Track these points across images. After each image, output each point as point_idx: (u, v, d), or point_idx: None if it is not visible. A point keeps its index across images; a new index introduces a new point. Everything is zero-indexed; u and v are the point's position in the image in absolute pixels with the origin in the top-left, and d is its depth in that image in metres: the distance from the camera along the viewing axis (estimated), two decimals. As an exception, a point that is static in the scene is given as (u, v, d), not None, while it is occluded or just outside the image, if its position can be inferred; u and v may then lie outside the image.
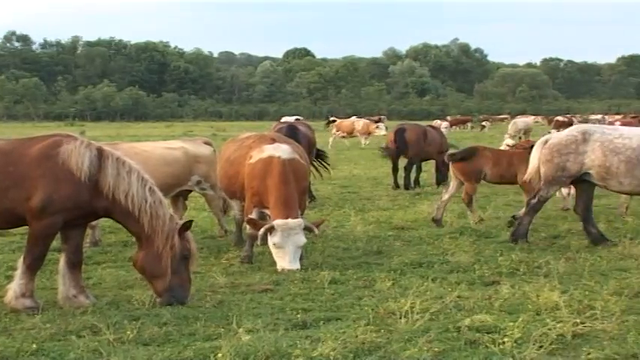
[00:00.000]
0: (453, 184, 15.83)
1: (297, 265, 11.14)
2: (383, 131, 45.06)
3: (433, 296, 9.35)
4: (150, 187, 9.33)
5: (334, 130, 49.26)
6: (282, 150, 12.05)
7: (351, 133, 48.47)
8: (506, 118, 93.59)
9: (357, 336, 7.69)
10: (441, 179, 22.79)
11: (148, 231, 9.20)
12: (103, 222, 12.85)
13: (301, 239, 11.22)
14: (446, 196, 15.53)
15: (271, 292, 9.95)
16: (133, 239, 9.78)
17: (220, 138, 38.44)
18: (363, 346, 7.52)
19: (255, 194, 11.82)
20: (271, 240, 11.26)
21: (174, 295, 9.18)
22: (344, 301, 9.39)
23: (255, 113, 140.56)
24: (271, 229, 11.20)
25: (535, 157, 13.39)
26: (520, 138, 45.23)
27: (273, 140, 12.47)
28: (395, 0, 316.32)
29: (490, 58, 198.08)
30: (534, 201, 13.34)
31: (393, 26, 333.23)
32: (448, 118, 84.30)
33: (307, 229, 11.33)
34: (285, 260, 11.17)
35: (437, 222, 15.06)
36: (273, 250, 11.32)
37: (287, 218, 11.18)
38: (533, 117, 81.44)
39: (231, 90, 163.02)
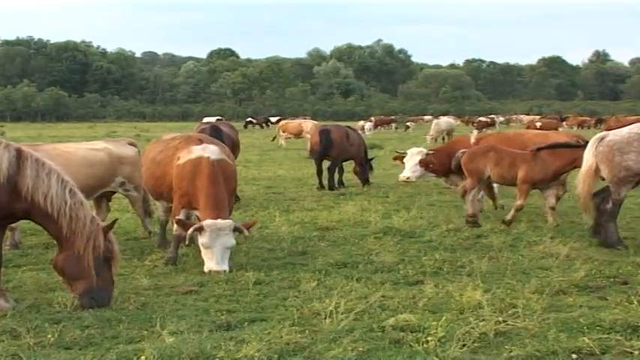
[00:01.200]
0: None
1: (224, 267, 11.06)
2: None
3: (358, 296, 9.38)
4: (70, 189, 9.18)
5: (280, 132, 47.72)
6: (211, 151, 11.99)
7: (298, 135, 46.08)
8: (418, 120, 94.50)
9: (281, 337, 7.67)
10: (365, 179, 22.91)
11: (68, 233, 9.05)
12: (24, 224, 12.63)
13: (230, 240, 11.15)
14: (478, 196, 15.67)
15: (195, 293, 9.87)
16: (54, 241, 9.62)
17: (144, 139, 38.08)
18: (288, 346, 7.49)
19: (184, 195, 11.72)
20: (200, 240, 11.18)
21: (94, 297, 9.04)
22: (269, 302, 9.36)
23: (179, 114, 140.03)
24: (200, 230, 11.13)
25: (590, 156, 13.01)
26: (443, 139, 45.74)
27: (201, 141, 12.39)
28: (319, 0, 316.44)
29: (414, 59, 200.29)
30: (609, 206, 12.90)
31: (318, 27, 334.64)
32: (372, 118, 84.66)
33: (237, 231, 11.26)
34: (213, 261, 11.09)
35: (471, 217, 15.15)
36: (202, 251, 11.25)
37: (217, 219, 11.12)
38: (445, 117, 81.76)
39: (155, 90, 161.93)
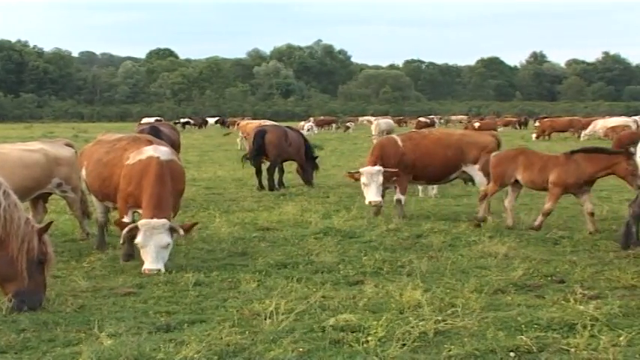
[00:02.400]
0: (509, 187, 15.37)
1: (158, 266, 10.97)
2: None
3: (298, 297, 9.38)
4: (4, 191, 9.04)
5: (240, 133, 46.79)
6: (161, 151, 11.96)
7: None
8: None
9: (221, 338, 7.64)
10: (308, 179, 22.92)
11: (2, 235, 8.90)
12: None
13: (164, 239, 11.05)
14: (508, 203, 15.19)
15: (134, 295, 9.78)
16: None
17: (82, 139, 37.71)
18: (228, 348, 7.46)
19: (131, 195, 11.63)
20: (136, 240, 11.11)
21: (25, 300, 8.87)
22: (208, 303, 9.32)
23: (117, 114, 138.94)
24: (136, 229, 11.05)
25: None
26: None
27: (151, 142, 12.34)
28: (259, 1, 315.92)
29: (354, 60, 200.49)
30: None
31: (257, 27, 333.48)
32: (311, 118, 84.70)
33: (172, 230, 11.18)
34: (147, 260, 11.02)
35: (510, 227, 14.70)
36: (141, 251, 11.18)
37: (152, 218, 11.05)
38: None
39: (93, 90, 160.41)
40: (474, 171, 16.74)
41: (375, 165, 15.82)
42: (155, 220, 11.04)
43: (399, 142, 16.42)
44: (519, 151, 15.48)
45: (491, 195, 15.25)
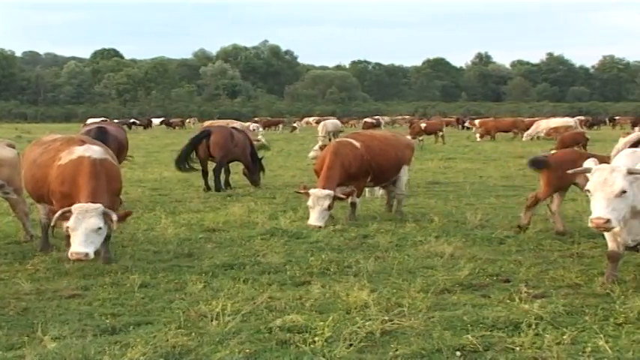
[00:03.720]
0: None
1: (86, 249, 10.82)
2: (263, 139, 43.33)
3: (245, 298, 9.35)
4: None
5: None
6: (93, 150, 11.89)
7: None
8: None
9: (167, 340, 7.60)
10: (254, 180, 22.88)
11: None
12: None
13: (94, 222, 10.92)
14: (555, 207, 14.62)
15: (79, 297, 9.67)
16: None
17: (26, 140, 37.25)
18: (174, 349, 7.42)
19: (66, 196, 11.49)
20: (67, 223, 11.03)
21: None
22: (154, 305, 9.25)
23: (62, 114, 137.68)
24: (69, 213, 10.97)
25: None
26: (330, 139, 46.00)
27: (84, 142, 12.26)
28: (204, 1, 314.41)
29: (300, 60, 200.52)
30: None
31: (203, 27, 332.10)
32: (256, 119, 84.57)
33: (105, 215, 11.05)
34: (75, 243, 10.91)
35: (561, 234, 14.10)
36: (71, 235, 11.07)
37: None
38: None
39: (37, 91, 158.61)
40: (405, 172, 16.86)
41: (333, 170, 15.53)
42: (89, 204, 10.98)
43: (357, 144, 16.08)
44: (578, 154, 15.16)
45: (544, 198, 14.60)
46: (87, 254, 10.79)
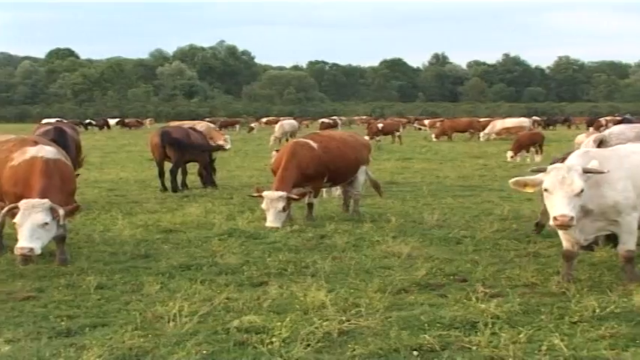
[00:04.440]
0: None
1: (31, 244, 10.75)
2: (228, 145, 42.66)
3: (202, 298, 9.33)
4: None
5: None
6: (46, 151, 11.83)
7: None
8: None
9: (124, 341, 7.55)
10: (211, 181, 22.81)
11: None
12: None
13: (41, 217, 10.84)
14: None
15: (34, 299, 9.57)
16: None
17: (-21, 140, 36.82)
18: (130, 351, 7.38)
19: (19, 197, 11.36)
20: (15, 219, 10.98)
21: None
22: (111, 307, 9.18)
23: (16, 115, 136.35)
24: (16, 209, 10.88)
25: None
26: (287, 140, 46.02)
27: (36, 143, 12.19)
28: (160, 0, 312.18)
29: (257, 61, 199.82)
30: None
31: (159, 27, 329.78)
32: (207, 119, 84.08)
33: (53, 211, 10.95)
34: (21, 238, 10.84)
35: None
36: (18, 231, 11.00)
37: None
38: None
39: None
40: (362, 172, 16.91)
41: (288, 171, 15.46)
42: (36, 200, 10.92)
43: (314, 145, 16.04)
44: None
45: None
46: (32, 249, 10.72)
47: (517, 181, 10.23)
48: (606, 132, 13.01)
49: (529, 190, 10.20)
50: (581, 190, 9.46)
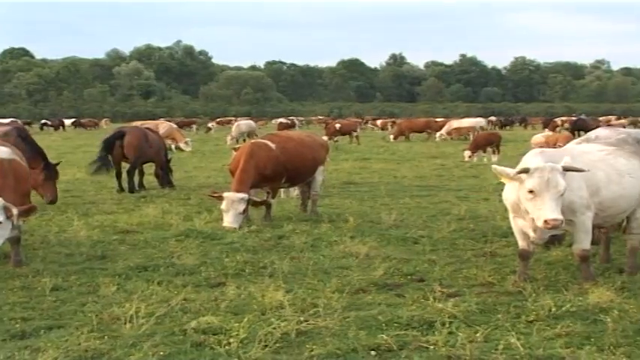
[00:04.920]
0: None
1: None
2: (188, 148, 42.27)
3: (159, 300, 9.28)
4: None
5: None
6: (1, 151, 11.64)
7: None
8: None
9: (79, 343, 7.49)
10: (167, 182, 22.70)
11: None
12: None
13: None
14: None
15: (-12, 301, 9.49)
16: None
17: None
18: (86, 353, 7.32)
19: None
20: None
21: None
22: (66, 308, 9.10)
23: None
24: None
25: None
26: (244, 140, 45.98)
27: (-10, 142, 12.04)
28: (116, 0, 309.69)
29: (215, 61, 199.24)
30: None
31: (116, 27, 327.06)
32: (161, 119, 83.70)
33: (6, 210, 10.78)
34: None
35: None
36: None
37: None
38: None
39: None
40: (320, 172, 16.93)
41: (247, 172, 15.38)
42: None
43: (272, 145, 16.00)
44: None
45: None
46: None
47: (497, 169, 10.16)
48: (592, 135, 13.16)
49: (504, 180, 10.11)
50: (565, 189, 9.50)
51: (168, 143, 39.05)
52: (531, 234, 10.13)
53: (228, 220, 14.86)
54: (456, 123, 56.94)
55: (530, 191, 9.49)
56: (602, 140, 11.66)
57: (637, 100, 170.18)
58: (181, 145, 42.07)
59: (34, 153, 17.54)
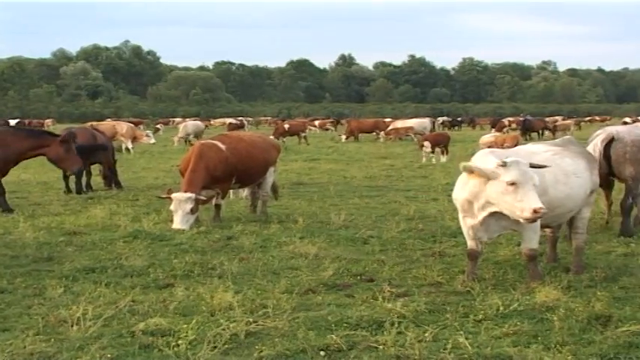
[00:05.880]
0: None
1: None
2: (152, 140, 42.28)
3: (106, 302, 9.20)
4: None
5: None
6: None
7: (112, 137, 37.23)
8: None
9: (25, 347, 7.40)
10: (116, 182, 22.55)
11: None
12: None
13: None
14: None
15: None
16: None
17: None
18: (32, 357, 7.24)
19: None
20: None
21: None
22: (12, 311, 8.99)
23: None
24: None
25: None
26: (190, 141, 45.80)
27: None
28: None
29: (163, 61, 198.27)
30: (630, 201, 13.98)
31: (62, 27, 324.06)
32: (108, 119, 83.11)
33: None
34: None
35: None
36: None
37: None
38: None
39: None
40: (271, 173, 16.92)
41: (197, 173, 15.32)
42: None
43: (222, 146, 15.92)
44: None
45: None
46: None
47: (466, 166, 10.15)
48: (614, 130, 14.09)
49: (474, 178, 10.08)
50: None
51: (119, 143, 39.09)
52: (480, 233, 10.20)
53: (177, 221, 14.80)
54: (400, 123, 57.35)
55: (512, 183, 9.50)
56: (549, 142, 11.86)
57: (582, 101, 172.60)
58: (144, 139, 42.24)
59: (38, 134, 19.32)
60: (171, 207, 14.93)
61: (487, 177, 9.74)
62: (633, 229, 13.96)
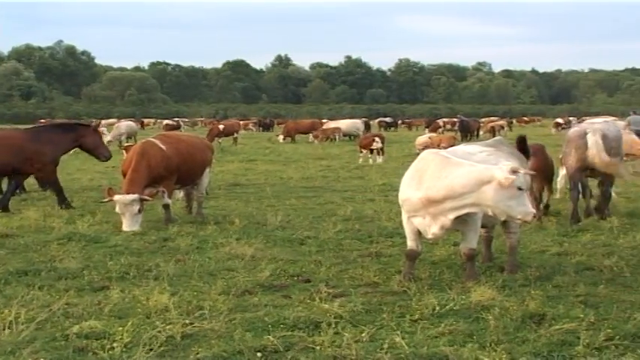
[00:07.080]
0: None
1: None
2: (108, 137, 41.91)
3: (40, 305, 9.07)
4: None
5: None
6: None
7: None
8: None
9: (-44, 352, 7.27)
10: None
11: None
12: None
13: None
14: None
15: None
16: None
17: None
18: (-37, 362, 7.11)
19: None
20: None
21: None
22: (-58, 316, 8.82)
23: None
24: None
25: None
26: (120, 142, 45.39)
27: None
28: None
29: (98, 61, 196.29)
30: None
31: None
32: (42, 121, 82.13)
33: None
34: None
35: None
36: None
37: None
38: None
39: None
40: (207, 174, 16.89)
41: (139, 172, 15.13)
42: None
43: (163, 146, 15.80)
44: None
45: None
46: None
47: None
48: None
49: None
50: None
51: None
52: (430, 233, 10.20)
53: (127, 224, 14.65)
54: (332, 124, 57.80)
55: (520, 189, 9.62)
56: (481, 142, 12.05)
57: (517, 102, 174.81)
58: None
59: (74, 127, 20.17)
60: (117, 210, 14.76)
61: (488, 181, 9.70)
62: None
